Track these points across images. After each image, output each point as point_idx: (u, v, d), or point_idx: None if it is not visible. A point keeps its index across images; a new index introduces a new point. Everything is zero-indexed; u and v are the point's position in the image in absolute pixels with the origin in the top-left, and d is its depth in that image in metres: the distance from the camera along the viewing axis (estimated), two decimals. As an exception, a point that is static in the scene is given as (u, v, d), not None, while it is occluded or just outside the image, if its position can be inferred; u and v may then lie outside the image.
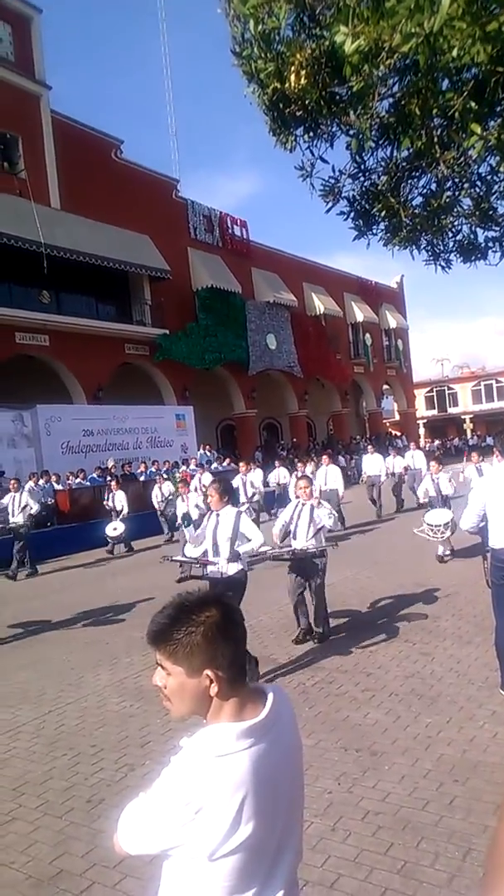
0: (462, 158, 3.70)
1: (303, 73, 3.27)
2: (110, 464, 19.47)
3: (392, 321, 40.38)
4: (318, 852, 3.14)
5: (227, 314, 27.39)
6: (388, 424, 44.47)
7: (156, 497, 15.78)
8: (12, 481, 13.08)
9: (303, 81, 3.30)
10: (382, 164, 3.99)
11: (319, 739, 4.37)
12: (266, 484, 16.97)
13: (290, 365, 31.06)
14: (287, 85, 3.34)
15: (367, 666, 5.71)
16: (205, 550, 5.70)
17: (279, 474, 18.40)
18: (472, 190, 4.03)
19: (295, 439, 31.71)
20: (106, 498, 15.29)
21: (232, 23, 3.40)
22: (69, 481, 17.78)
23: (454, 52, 2.66)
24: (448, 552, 9.84)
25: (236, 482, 12.98)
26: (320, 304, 33.29)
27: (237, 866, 1.29)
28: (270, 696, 1.42)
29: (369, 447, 18.27)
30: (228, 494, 5.78)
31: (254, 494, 12.95)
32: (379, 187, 3.98)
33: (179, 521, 7.10)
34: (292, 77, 3.30)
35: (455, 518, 9.07)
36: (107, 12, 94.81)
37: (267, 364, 29.63)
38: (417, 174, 4.02)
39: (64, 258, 20.40)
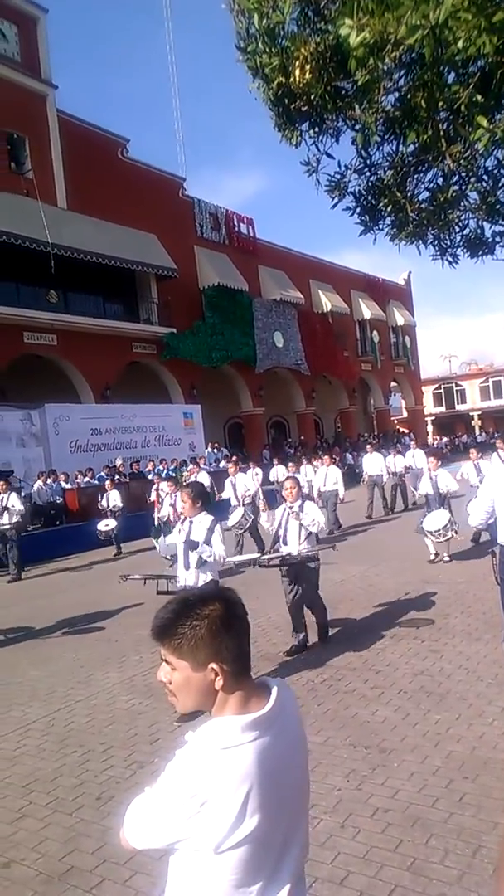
0: (468, 152, 3.67)
1: (308, 67, 3.25)
2: (118, 462, 19.53)
3: (399, 318, 40.26)
4: (328, 849, 3.14)
5: (233, 312, 27.39)
6: (396, 422, 44.38)
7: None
8: (1, 483, 12.72)
9: (308, 76, 3.28)
10: (388, 158, 3.96)
11: (328, 737, 4.36)
12: (269, 482, 16.90)
13: (297, 362, 31.04)
14: (292, 80, 3.32)
15: (376, 663, 5.70)
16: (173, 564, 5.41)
17: (278, 472, 18.25)
18: (479, 184, 3.99)
19: (302, 437, 31.68)
20: (101, 498, 15.08)
21: (236, 18, 3.38)
22: (77, 480, 17.84)
23: (460, 44, 2.64)
24: (446, 556, 9.46)
25: (227, 485, 12.76)
26: (327, 301, 33.23)
27: (243, 859, 1.29)
28: (275, 690, 1.42)
29: (368, 446, 17.90)
30: (202, 499, 5.46)
31: (246, 497, 12.41)
32: (385, 182, 3.95)
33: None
34: (297, 72, 3.28)
35: (453, 517, 8.94)
36: (111, 11, 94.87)
37: (274, 362, 29.62)
38: (424, 168, 3.99)
39: (71, 258, 20.44)
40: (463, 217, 4.15)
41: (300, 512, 6.26)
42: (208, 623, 1.36)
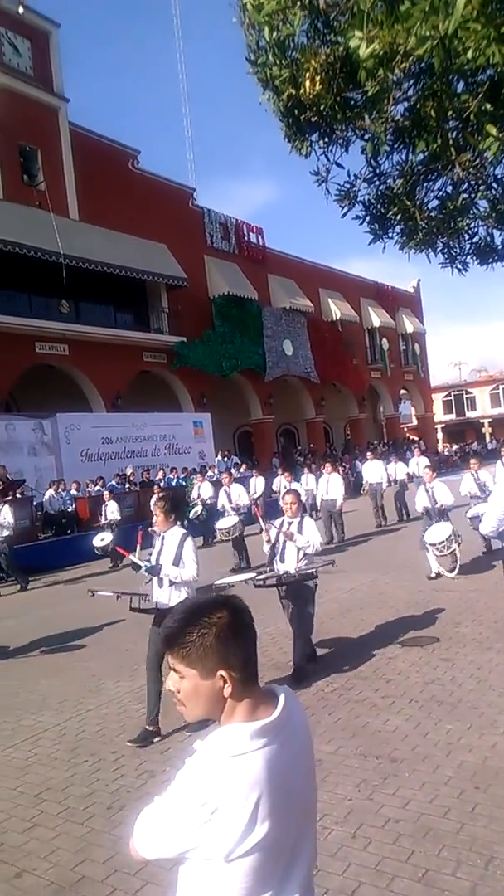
0: (478, 160, 3.69)
1: (318, 78, 3.28)
2: (129, 471, 19.58)
3: (409, 325, 40.22)
4: (339, 860, 3.12)
5: (243, 321, 27.47)
6: (405, 429, 44.24)
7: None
8: None
9: (318, 87, 3.31)
10: (398, 167, 3.99)
11: (339, 746, 4.34)
12: (273, 492, 16.73)
13: (306, 370, 31.05)
14: (302, 91, 3.35)
15: (387, 672, 5.67)
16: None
17: (281, 482, 17.90)
18: (489, 192, 4.01)
19: (312, 445, 31.64)
20: (101, 512, 14.71)
21: (247, 31, 3.42)
22: (88, 488, 17.90)
23: (469, 54, 2.65)
24: (451, 570, 8.76)
25: (221, 494, 12.58)
26: (336, 309, 33.27)
27: (253, 867, 1.29)
28: (282, 697, 1.42)
29: (369, 453, 17.32)
30: (175, 513, 5.20)
31: (240, 508, 12.17)
32: (394, 191, 3.97)
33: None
34: (307, 83, 3.31)
35: (456, 530, 8.59)
36: (122, 23, 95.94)
37: (283, 370, 29.65)
38: (433, 177, 4.01)
39: (82, 268, 20.60)
40: (472, 225, 4.16)
41: (296, 532, 5.92)
42: (216, 630, 1.36)
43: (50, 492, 16.98)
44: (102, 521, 14.64)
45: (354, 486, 20.15)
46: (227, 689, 1.36)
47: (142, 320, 24.68)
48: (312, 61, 3.26)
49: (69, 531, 16.49)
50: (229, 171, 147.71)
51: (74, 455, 19.59)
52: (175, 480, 19.38)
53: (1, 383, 19.19)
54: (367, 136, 3.66)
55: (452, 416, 56.01)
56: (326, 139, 3.74)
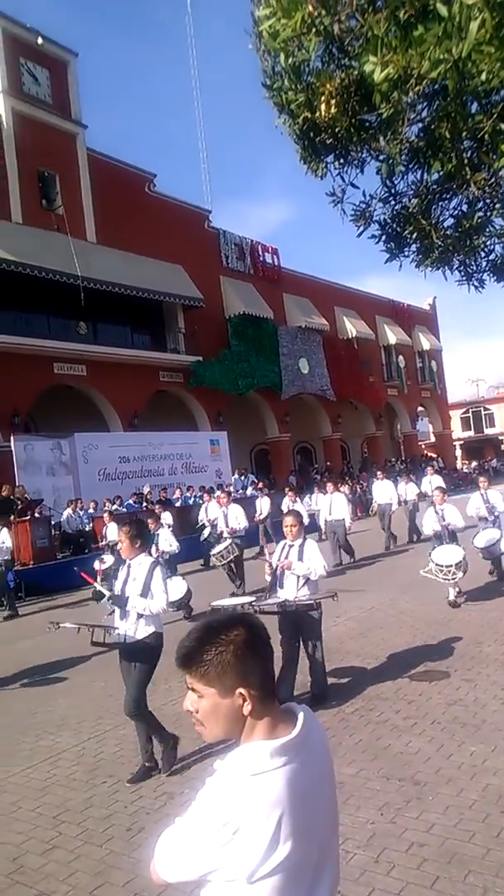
0: (493, 179, 3.71)
1: (333, 102, 3.33)
2: (146, 490, 19.65)
3: (425, 343, 40.20)
4: (362, 885, 3.06)
5: (259, 340, 27.64)
6: (423, 446, 44.01)
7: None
8: None
9: (333, 110, 3.35)
10: (413, 187, 4.01)
11: (361, 768, 4.28)
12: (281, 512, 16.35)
13: (322, 388, 31.09)
14: (317, 114, 3.39)
15: (408, 693, 5.59)
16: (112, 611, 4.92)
17: (286, 502, 17.31)
18: (504, 210, 4.02)
19: (329, 462, 31.58)
20: (102, 534, 14.34)
21: (262, 57, 3.48)
22: (105, 507, 17.97)
23: (483, 77, 2.68)
24: (460, 597, 8.63)
25: (219, 515, 12.10)
26: (352, 327, 33.36)
27: (277, 888, 1.27)
28: (301, 715, 1.41)
29: (379, 472, 16.70)
30: (141, 539, 4.91)
31: (237, 531, 11.73)
32: (410, 210, 3.99)
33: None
34: (322, 106, 3.36)
35: (467, 556, 8.29)
36: (139, 50, 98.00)
37: (300, 388, 29.72)
38: (448, 196, 4.03)
39: (100, 290, 20.88)
40: (488, 242, 4.17)
41: (296, 559, 5.69)
42: (234, 648, 1.36)
43: (68, 511, 17.06)
44: (101, 542, 14.36)
45: (368, 506, 19.87)
46: (247, 707, 1.36)
47: (158, 340, 24.91)
48: (328, 85, 3.31)
49: (86, 550, 16.54)
50: (244, 192, 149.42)
51: (92, 474, 19.71)
52: (192, 499, 19.39)
53: (20, 404, 19.43)
54: (382, 157, 3.69)
55: (471, 433, 55.63)
56: (342, 160, 3.77)
